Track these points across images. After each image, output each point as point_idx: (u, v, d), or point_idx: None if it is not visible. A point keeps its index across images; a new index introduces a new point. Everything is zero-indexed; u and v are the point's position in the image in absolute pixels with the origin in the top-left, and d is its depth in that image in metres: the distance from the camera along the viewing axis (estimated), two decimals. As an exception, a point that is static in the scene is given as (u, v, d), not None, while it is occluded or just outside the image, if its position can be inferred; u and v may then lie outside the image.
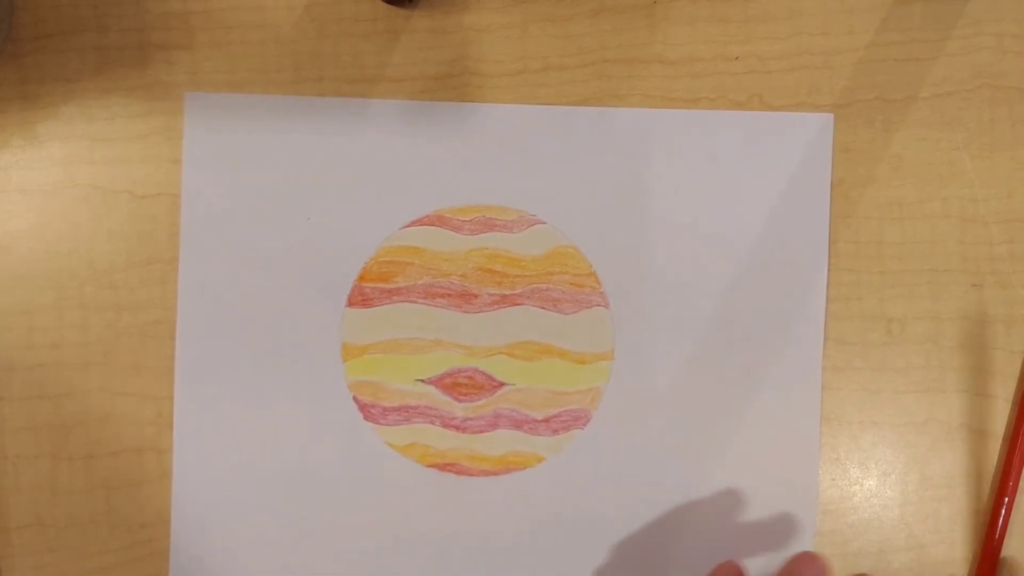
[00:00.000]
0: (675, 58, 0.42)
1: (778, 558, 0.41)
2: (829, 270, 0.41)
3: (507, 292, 0.41)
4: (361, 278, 0.41)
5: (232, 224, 0.41)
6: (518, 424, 0.41)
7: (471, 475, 0.41)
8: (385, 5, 0.41)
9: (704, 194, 0.41)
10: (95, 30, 0.41)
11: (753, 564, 0.41)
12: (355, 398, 0.41)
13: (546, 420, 0.41)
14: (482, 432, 0.41)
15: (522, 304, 0.41)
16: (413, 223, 0.41)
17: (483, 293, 0.41)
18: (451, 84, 0.41)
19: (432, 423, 0.41)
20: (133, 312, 0.41)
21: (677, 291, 0.41)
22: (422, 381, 0.41)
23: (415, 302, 0.41)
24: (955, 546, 0.42)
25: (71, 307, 0.41)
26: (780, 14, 0.42)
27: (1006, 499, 0.41)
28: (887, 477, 0.42)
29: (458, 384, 0.41)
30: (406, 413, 0.41)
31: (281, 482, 0.41)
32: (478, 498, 0.41)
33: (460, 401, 0.41)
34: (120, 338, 0.41)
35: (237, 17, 0.41)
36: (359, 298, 0.41)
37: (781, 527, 0.41)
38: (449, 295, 0.41)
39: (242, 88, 0.41)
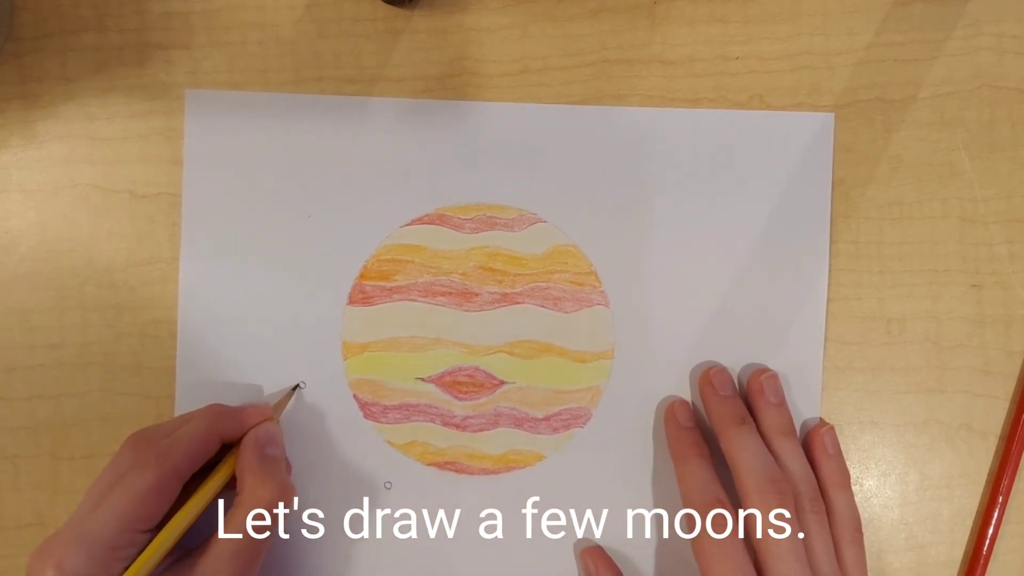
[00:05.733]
0: (675, 58, 0.42)
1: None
2: (829, 270, 0.42)
3: (507, 290, 0.41)
4: (362, 276, 0.41)
5: (232, 224, 0.41)
6: (518, 422, 0.41)
7: (471, 473, 0.41)
8: (385, 5, 0.41)
9: (704, 194, 0.41)
10: (95, 30, 0.41)
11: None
12: (355, 396, 0.41)
13: (546, 418, 0.41)
14: (482, 430, 0.41)
15: (522, 303, 0.41)
16: (414, 221, 0.41)
17: (483, 291, 0.41)
18: (451, 84, 0.41)
19: (432, 421, 0.41)
20: (133, 312, 0.41)
21: (677, 290, 0.41)
22: (422, 379, 0.41)
23: (415, 300, 0.41)
24: (955, 546, 0.42)
25: (71, 307, 0.41)
26: (780, 14, 0.42)
27: (1000, 498, 0.41)
28: (887, 477, 0.42)
29: (458, 382, 0.41)
30: (406, 411, 0.41)
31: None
32: (478, 497, 0.41)
33: (460, 399, 0.41)
34: (120, 338, 0.41)
35: (237, 17, 0.41)
36: (360, 296, 0.41)
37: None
38: (449, 293, 0.41)
39: (242, 88, 0.41)
